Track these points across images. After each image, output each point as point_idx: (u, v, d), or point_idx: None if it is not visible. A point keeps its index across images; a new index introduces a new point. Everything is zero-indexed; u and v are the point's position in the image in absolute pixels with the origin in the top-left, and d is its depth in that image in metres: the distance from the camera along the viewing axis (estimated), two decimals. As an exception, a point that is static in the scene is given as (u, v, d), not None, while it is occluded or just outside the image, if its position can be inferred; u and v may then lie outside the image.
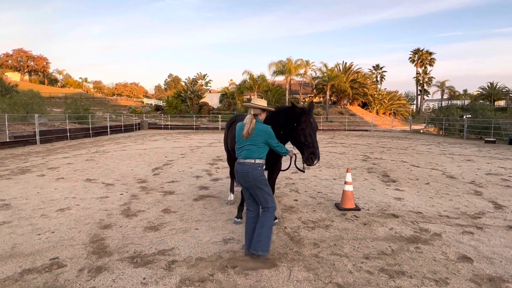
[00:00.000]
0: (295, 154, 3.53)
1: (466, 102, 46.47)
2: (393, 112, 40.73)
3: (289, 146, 3.80)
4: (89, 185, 6.25)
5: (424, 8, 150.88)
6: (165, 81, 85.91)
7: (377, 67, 51.71)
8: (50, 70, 73.27)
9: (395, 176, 7.28)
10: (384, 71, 52.07)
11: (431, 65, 49.76)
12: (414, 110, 49.27)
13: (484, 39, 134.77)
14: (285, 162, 4.21)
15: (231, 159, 4.88)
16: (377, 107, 40.78)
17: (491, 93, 43.14)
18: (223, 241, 3.57)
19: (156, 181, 6.66)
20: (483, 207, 4.93)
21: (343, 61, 40.48)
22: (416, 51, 49.43)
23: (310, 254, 3.26)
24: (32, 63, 66.46)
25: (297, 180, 6.85)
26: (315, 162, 3.40)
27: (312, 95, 41.82)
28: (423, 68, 49.77)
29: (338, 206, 4.84)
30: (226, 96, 42.02)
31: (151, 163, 8.91)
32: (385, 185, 6.40)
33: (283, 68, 34.32)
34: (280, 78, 38.13)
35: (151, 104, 55.08)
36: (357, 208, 4.75)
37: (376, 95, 40.81)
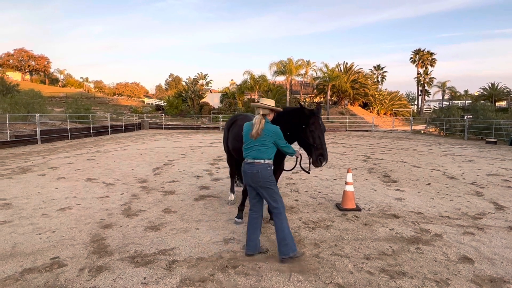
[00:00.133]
0: (300, 155, 3.54)
1: (467, 102, 46.39)
2: (394, 113, 40.66)
3: (294, 146, 3.80)
4: (90, 184, 6.26)
5: (424, 8, 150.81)
6: (166, 81, 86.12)
7: (378, 68, 51.67)
8: (51, 70, 73.52)
9: (396, 177, 7.27)
10: (385, 72, 52.07)
11: (432, 65, 49.67)
12: (415, 111, 49.22)
13: (485, 39, 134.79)
14: (286, 162, 4.21)
15: (232, 159, 4.88)
16: (378, 107, 40.74)
17: (492, 93, 43.04)
18: (224, 241, 3.57)
19: (157, 181, 6.67)
20: (484, 208, 4.92)
21: (344, 62, 40.63)
22: (417, 52, 49.34)
23: (311, 254, 3.25)
24: (33, 62, 66.64)
25: (297, 180, 6.85)
26: (323, 163, 3.42)
27: (313, 95, 41.82)
28: (424, 68, 49.69)
29: (338, 207, 4.84)
30: (227, 96, 42.02)
31: (152, 163, 8.92)
32: (386, 186, 6.39)
33: (284, 68, 34.33)
34: (281, 78, 38.15)
35: (152, 104, 55.15)
36: (357, 209, 4.74)
37: (377, 96, 40.79)
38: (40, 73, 70.34)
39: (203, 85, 45.56)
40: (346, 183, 4.79)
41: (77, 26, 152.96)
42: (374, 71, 51.36)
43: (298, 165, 3.75)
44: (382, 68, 51.73)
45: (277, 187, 3.22)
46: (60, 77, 78.39)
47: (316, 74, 37.49)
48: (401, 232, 3.89)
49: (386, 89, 46.81)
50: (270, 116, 3.31)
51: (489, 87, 44.48)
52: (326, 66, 35.64)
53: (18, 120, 16.62)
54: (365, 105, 41.43)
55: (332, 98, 39.07)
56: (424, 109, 51.48)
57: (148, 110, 45.34)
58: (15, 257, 3.12)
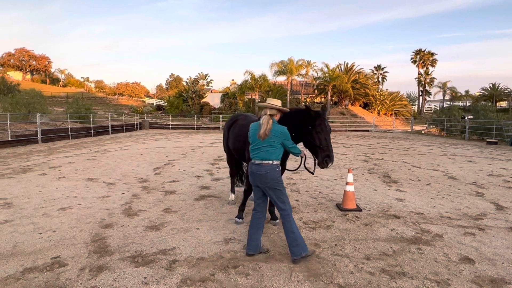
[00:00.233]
0: (305, 155, 3.54)
1: (468, 103, 46.36)
2: (395, 113, 40.65)
3: (298, 146, 3.80)
4: (91, 184, 6.26)
5: (425, 9, 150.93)
6: (166, 81, 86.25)
7: (378, 68, 51.66)
8: (52, 70, 73.66)
9: (397, 177, 7.26)
10: (386, 72, 52.09)
11: (432, 65, 49.65)
12: (416, 111, 49.15)
13: (486, 40, 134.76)
14: (288, 161, 4.21)
15: (232, 159, 4.87)
16: (379, 107, 40.72)
17: (493, 94, 43.00)
18: (224, 241, 3.57)
19: (157, 180, 6.67)
20: (485, 209, 4.92)
21: (345, 62, 40.66)
22: (418, 52, 49.30)
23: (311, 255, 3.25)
24: (34, 62, 66.77)
25: (298, 180, 6.85)
26: (330, 165, 3.42)
27: (313, 96, 41.83)
28: (424, 68, 49.67)
29: (339, 207, 4.84)
30: (227, 96, 42.05)
31: (152, 163, 8.92)
32: (387, 186, 6.39)
33: (284, 68, 34.35)
34: (281, 78, 38.18)
35: (153, 103, 55.20)
36: (358, 209, 4.74)
37: (377, 96, 40.78)
38: (41, 72, 70.47)
39: (203, 85, 45.59)
40: (347, 183, 4.79)
41: (78, 26, 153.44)
42: (375, 71, 51.36)
43: (302, 165, 3.75)
44: (382, 68, 51.75)
45: (284, 188, 3.21)
46: (61, 76, 78.55)
47: (317, 74, 37.55)
48: (401, 233, 3.88)
49: (386, 89, 46.86)
50: (277, 117, 3.30)
51: (490, 87, 44.45)
52: (326, 66, 35.69)
53: (19, 120, 16.65)
54: (365, 105, 41.41)
55: (333, 98, 39.06)
56: (424, 110, 51.44)
57: (149, 110, 45.39)
58: (16, 257, 3.13)
